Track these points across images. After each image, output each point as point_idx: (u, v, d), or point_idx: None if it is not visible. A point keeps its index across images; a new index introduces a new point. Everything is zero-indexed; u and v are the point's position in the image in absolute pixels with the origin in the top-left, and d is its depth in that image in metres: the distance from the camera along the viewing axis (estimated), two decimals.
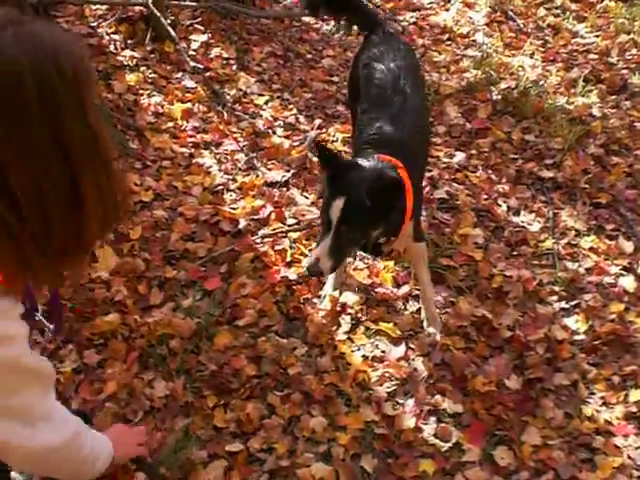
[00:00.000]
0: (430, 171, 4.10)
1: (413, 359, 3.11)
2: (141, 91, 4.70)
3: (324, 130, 4.54)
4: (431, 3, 6.43)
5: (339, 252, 2.63)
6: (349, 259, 3.43)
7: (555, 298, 3.45)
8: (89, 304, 3.23)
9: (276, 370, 3.01)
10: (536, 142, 4.52)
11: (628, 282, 3.54)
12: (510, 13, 6.19)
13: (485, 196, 4.05)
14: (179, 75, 4.91)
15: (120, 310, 3.21)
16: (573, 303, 3.43)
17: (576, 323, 3.31)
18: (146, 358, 3.02)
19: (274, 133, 4.52)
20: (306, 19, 5.91)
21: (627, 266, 3.65)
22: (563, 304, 3.42)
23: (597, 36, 5.95)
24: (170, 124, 4.48)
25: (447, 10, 6.30)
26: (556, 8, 6.37)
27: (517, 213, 3.97)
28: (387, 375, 3.03)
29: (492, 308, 3.34)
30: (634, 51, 5.70)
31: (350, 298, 3.32)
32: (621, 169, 4.32)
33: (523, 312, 3.35)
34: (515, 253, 3.70)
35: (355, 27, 3.85)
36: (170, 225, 3.72)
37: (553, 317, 3.34)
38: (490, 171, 4.27)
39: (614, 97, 5.10)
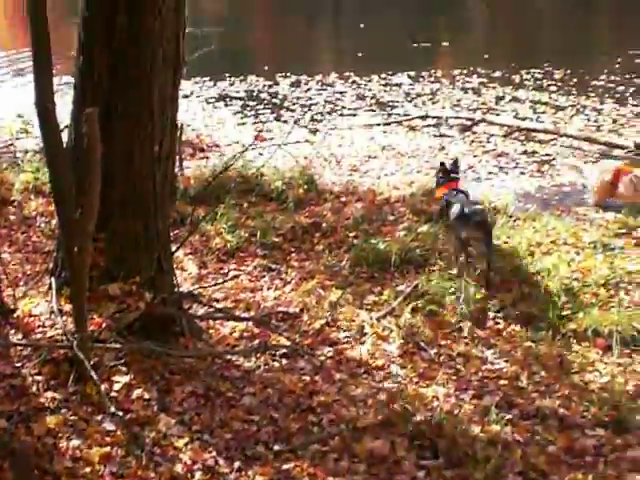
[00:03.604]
0: None
1: None
2: (60, 434, 4.69)
3: (243, 473, 4.52)
4: (347, 337, 6.67)
5: None
6: None
7: None
8: None
9: None
10: None
11: None
12: (421, 344, 6.44)
13: None
14: (99, 417, 4.91)
15: None
16: None
17: None
18: None
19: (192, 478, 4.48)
20: (227, 356, 6.11)
21: None
22: None
23: (506, 361, 6.18)
24: (87, 469, 4.42)
25: (362, 343, 6.52)
26: (464, 337, 6.65)
27: None
28: None
29: None
30: (542, 374, 5.92)
31: None
32: None
33: None
34: None
35: None
36: None
37: None
38: None
39: (527, 422, 5.22)
